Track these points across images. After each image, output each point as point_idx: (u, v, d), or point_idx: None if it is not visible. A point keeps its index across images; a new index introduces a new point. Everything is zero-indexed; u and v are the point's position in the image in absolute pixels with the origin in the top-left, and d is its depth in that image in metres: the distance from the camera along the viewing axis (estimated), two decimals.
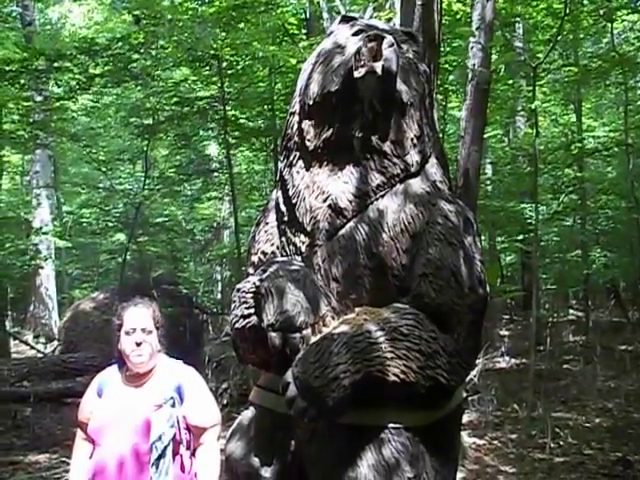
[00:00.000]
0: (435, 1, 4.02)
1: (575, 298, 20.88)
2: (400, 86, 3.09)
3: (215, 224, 20.46)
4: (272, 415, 3.13)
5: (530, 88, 13.18)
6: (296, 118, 3.25)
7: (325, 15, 9.47)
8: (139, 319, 3.76)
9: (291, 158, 3.25)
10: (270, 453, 3.14)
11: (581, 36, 14.24)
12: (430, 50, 3.98)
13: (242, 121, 12.46)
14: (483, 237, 20.68)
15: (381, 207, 3.06)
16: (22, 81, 10.59)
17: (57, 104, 12.60)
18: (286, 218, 3.24)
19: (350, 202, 3.06)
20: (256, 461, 3.15)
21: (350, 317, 2.98)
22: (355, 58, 3.03)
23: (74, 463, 3.83)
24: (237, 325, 3.22)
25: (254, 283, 3.15)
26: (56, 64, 9.91)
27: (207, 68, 11.03)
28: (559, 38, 9.06)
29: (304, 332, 2.94)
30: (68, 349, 13.52)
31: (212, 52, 9.76)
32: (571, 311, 19.36)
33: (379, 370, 2.85)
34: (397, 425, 2.97)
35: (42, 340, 16.73)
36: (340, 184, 3.08)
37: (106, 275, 22.00)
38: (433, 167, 3.19)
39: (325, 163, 3.13)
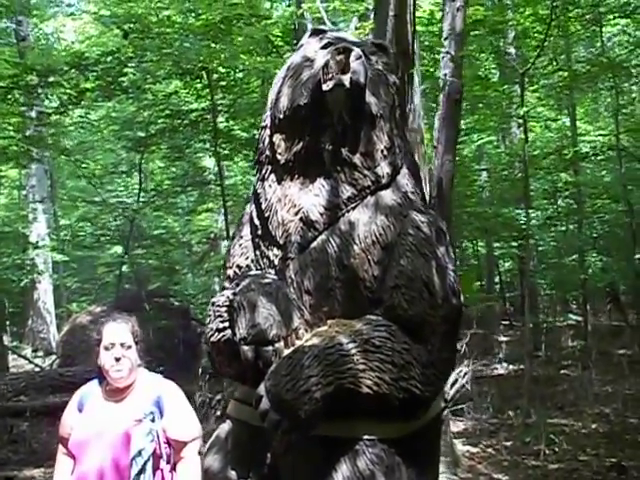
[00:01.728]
0: (408, 12, 4.03)
1: (576, 302, 20.84)
2: (369, 98, 3.11)
3: (212, 235, 20.46)
4: (248, 428, 3.13)
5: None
6: (267, 132, 3.26)
7: (309, 26, 9.46)
8: (118, 334, 3.77)
9: (263, 172, 3.26)
10: (247, 466, 3.14)
11: (572, 41, 14.29)
12: (404, 61, 4.00)
13: (235, 132, 12.51)
14: (481, 243, 20.77)
15: (352, 219, 3.07)
16: (15, 96, 10.62)
17: (51, 119, 12.67)
18: (260, 232, 3.25)
19: (321, 215, 3.07)
20: (233, 474, 3.15)
21: (322, 329, 2.98)
22: (323, 71, 3.05)
23: (55, 478, 3.84)
24: (212, 339, 3.23)
25: (228, 297, 3.17)
26: (47, 79, 9.94)
27: (198, 80, 11.07)
28: (546, 44, 9.08)
29: (276, 345, 2.95)
30: (66, 363, 13.54)
31: (201, 65, 9.80)
32: (570, 315, 19.31)
33: (351, 382, 2.86)
34: (372, 437, 2.97)
35: (41, 354, 16.73)
36: (311, 197, 3.09)
37: (104, 288, 22.00)
38: (404, 178, 3.20)
39: (296, 176, 3.14)
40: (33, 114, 13.37)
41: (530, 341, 14.36)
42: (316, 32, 3.39)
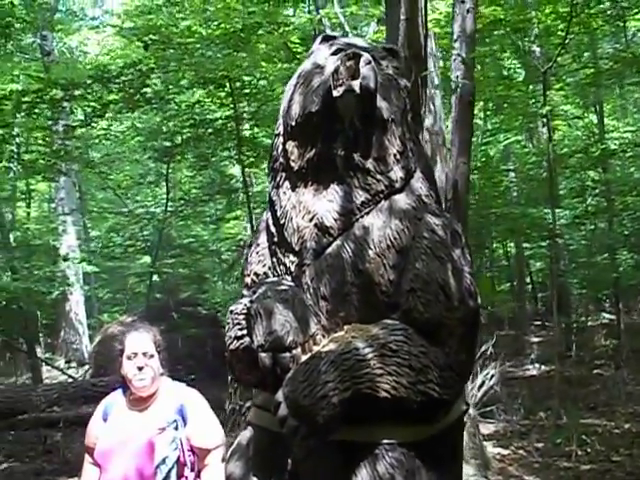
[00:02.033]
0: (419, 15, 4.04)
1: (609, 301, 20.64)
2: (380, 103, 3.11)
3: (241, 243, 20.54)
4: (269, 434, 3.15)
5: (548, 93, 13.16)
6: (280, 139, 3.28)
7: (328, 32, 9.48)
8: (140, 344, 3.82)
9: (278, 179, 3.28)
10: (268, 472, 3.15)
11: (598, 37, 14.16)
12: (416, 64, 4.00)
13: (259, 139, 12.57)
14: (511, 244, 20.63)
15: (366, 224, 3.08)
16: (39, 111, 10.77)
17: (77, 132, 12.84)
18: (276, 239, 3.27)
19: (335, 220, 3.08)
20: None
21: (339, 335, 2.99)
22: (333, 77, 3.06)
23: None
24: (231, 347, 3.25)
25: (245, 304, 3.19)
26: (71, 93, 10.07)
27: (220, 89, 11.15)
28: (568, 42, 9.02)
29: (294, 351, 2.97)
30: (98, 373, 13.67)
31: (222, 73, 9.86)
32: (603, 314, 19.13)
33: (369, 387, 2.86)
34: (391, 441, 2.97)
35: (74, 365, 16.91)
36: (325, 203, 3.10)
37: (136, 298, 22.22)
38: (418, 182, 3.20)
39: (310, 183, 3.16)
40: (60, 127, 13.56)
41: (562, 341, 14.26)
42: (326, 38, 3.40)
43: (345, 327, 3.02)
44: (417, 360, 2.92)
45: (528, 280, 21.20)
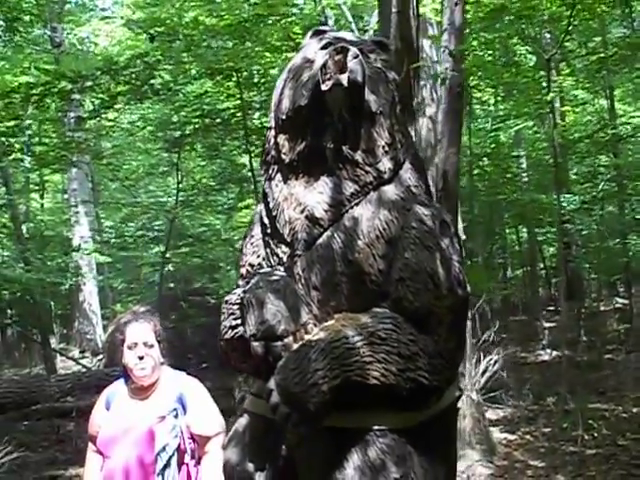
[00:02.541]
0: (411, 7, 4.07)
1: (623, 286, 20.60)
2: (368, 96, 3.17)
3: None
4: (264, 421, 3.22)
5: (556, 79, 13.13)
6: (272, 133, 3.34)
7: (330, 23, 9.56)
8: (141, 333, 3.91)
9: (270, 172, 3.34)
10: (263, 458, 3.23)
11: (606, 23, 14.10)
12: (408, 56, 4.04)
13: None
14: (525, 230, 20.61)
15: (356, 215, 3.13)
16: (48, 103, 10.87)
17: (89, 123, 12.94)
18: (269, 230, 3.34)
19: (325, 212, 3.14)
20: (250, 466, 3.25)
21: (329, 324, 3.06)
22: (321, 71, 3.11)
23: (86, 475, 3.99)
24: (226, 336, 3.33)
25: (239, 295, 3.27)
26: (79, 85, 10.16)
27: (228, 79, 11.21)
28: (571, 28, 9.01)
29: (285, 340, 3.03)
30: (112, 363, 13.75)
31: (227, 64, 9.91)
32: (617, 299, 19.11)
33: (358, 374, 2.93)
34: (382, 427, 3.04)
35: (88, 355, 17.07)
36: (315, 195, 3.16)
37: (150, 288, 22.35)
38: (407, 172, 3.25)
39: (301, 175, 3.22)
40: (71, 119, 13.68)
41: (575, 327, 14.27)
42: (316, 33, 3.45)
43: (335, 316, 3.09)
44: (406, 348, 2.98)
45: (542, 266, 21.21)
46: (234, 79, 10.86)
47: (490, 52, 12.81)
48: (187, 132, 13.10)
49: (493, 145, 15.50)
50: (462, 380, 6.69)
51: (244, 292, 3.19)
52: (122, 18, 12.63)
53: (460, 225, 7.59)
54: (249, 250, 3.47)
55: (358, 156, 3.16)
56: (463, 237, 7.62)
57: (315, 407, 2.88)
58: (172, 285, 17.84)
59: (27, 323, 17.40)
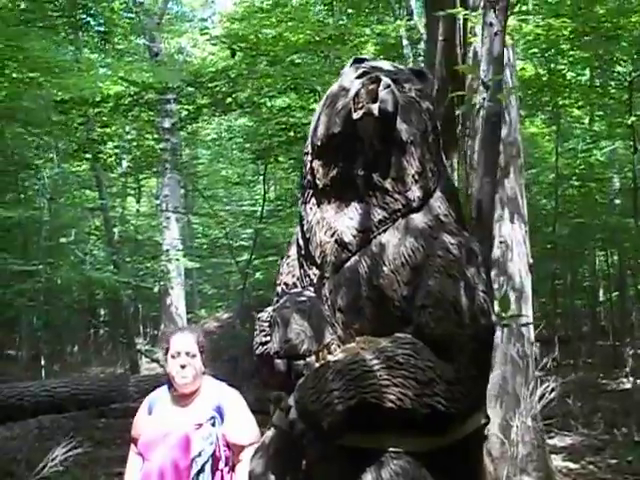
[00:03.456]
0: (457, 36, 4.13)
1: None
2: (400, 125, 3.25)
3: None
4: (287, 436, 3.32)
5: None
6: (309, 158, 3.47)
7: (404, 42, 9.63)
8: (184, 344, 4.09)
9: (306, 195, 3.47)
10: (284, 472, 3.34)
11: None
12: (453, 84, 4.09)
13: None
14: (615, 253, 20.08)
15: (383, 241, 3.22)
16: (136, 113, 11.32)
17: (181, 133, 13.38)
18: (303, 252, 3.46)
19: (354, 237, 3.24)
20: (272, 478, 3.36)
21: (349, 346, 3.15)
22: (354, 101, 3.23)
23: (126, 476, 4.20)
24: (257, 351, 3.46)
25: (269, 313, 3.40)
26: (165, 96, 10.55)
27: (311, 95, 11.42)
28: None
29: (308, 359, 3.15)
30: None
31: (310, 79, 10.11)
32: None
33: (374, 397, 3.00)
34: (398, 449, 3.11)
35: None
36: (346, 220, 3.27)
37: (239, 295, 22.84)
38: (437, 201, 3.31)
39: (333, 200, 3.33)
40: (166, 125, 14.13)
41: None
42: (355, 61, 3.57)
43: (357, 339, 3.18)
44: (423, 373, 3.04)
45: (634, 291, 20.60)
46: (315, 95, 11.04)
47: (579, 72, 12.63)
48: (274, 144, 13.36)
49: (582, 166, 15.20)
50: (515, 406, 6.64)
51: (273, 310, 3.32)
52: (205, 33, 12.97)
53: (528, 249, 7.54)
54: (285, 270, 3.60)
55: (388, 184, 3.25)
56: (530, 261, 7.54)
57: (329, 425, 2.97)
58: (261, 292, 18.18)
59: (116, 324, 18.03)
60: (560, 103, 13.11)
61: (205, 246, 19.87)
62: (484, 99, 3.31)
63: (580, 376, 14.06)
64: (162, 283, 17.70)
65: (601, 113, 15.78)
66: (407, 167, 3.25)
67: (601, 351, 18.70)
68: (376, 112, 3.18)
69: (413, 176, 3.26)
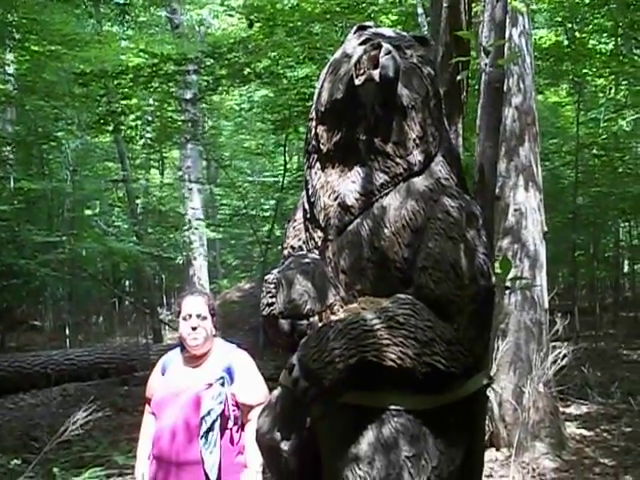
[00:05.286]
0: (462, 2, 4.15)
1: None
2: (401, 90, 3.30)
3: None
4: (292, 394, 3.42)
5: None
6: (313, 123, 3.53)
7: (419, 10, 9.59)
8: (195, 306, 4.21)
9: (310, 160, 3.54)
10: (290, 429, 3.44)
11: None
12: (457, 50, 4.12)
13: None
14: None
15: (384, 204, 3.29)
16: (154, 85, 11.39)
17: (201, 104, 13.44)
18: (308, 215, 3.54)
19: (357, 200, 3.31)
20: (278, 435, 3.46)
21: (351, 306, 3.24)
22: (356, 67, 3.28)
23: (141, 434, 4.34)
24: (263, 313, 3.55)
25: (275, 274, 3.49)
26: (183, 67, 10.61)
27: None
28: None
29: (311, 319, 3.24)
30: None
31: (328, 49, 10.11)
32: None
33: (375, 355, 3.08)
34: (398, 407, 3.19)
35: None
36: (348, 183, 3.34)
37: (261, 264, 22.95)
38: (438, 165, 3.37)
39: (337, 164, 3.40)
40: (187, 96, 14.22)
41: None
42: (359, 28, 3.61)
43: (359, 299, 3.26)
44: (423, 333, 3.11)
45: None
46: None
47: (603, 40, 12.52)
48: (293, 114, 13.39)
49: (604, 136, 15.08)
50: (528, 373, 6.70)
51: (278, 272, 3.41)
52: (226, 4, 12.99)
53: (542, 217, 7.56)
54: (291, 233, 3.68)
55: (389, 148, 3.31)
56: (545, 229, 7.57)
57: (330, 383, 3.06)
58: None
59: (139, 295, 18.25)
60: (582, 72, 13.00)
61: (228, 217, 20.00)
62: (485, 65, 3.34)
63: (601, 346, 14.09)
64: (185, 254, 17.87)
65: (625, 82, 15.64)
66: (408, 131, 3.31)
67: (624, 322, 18.67)
68: (377, 78, 3.23)
69: (414, 140, 3.32)
